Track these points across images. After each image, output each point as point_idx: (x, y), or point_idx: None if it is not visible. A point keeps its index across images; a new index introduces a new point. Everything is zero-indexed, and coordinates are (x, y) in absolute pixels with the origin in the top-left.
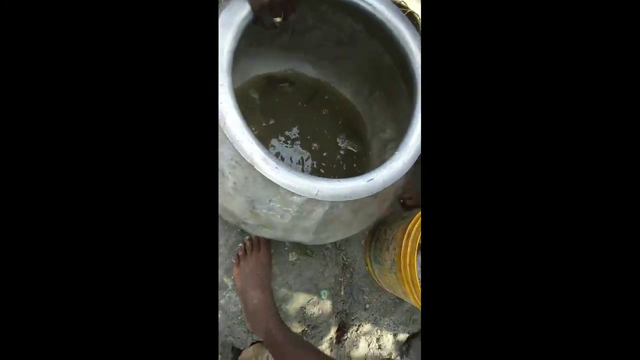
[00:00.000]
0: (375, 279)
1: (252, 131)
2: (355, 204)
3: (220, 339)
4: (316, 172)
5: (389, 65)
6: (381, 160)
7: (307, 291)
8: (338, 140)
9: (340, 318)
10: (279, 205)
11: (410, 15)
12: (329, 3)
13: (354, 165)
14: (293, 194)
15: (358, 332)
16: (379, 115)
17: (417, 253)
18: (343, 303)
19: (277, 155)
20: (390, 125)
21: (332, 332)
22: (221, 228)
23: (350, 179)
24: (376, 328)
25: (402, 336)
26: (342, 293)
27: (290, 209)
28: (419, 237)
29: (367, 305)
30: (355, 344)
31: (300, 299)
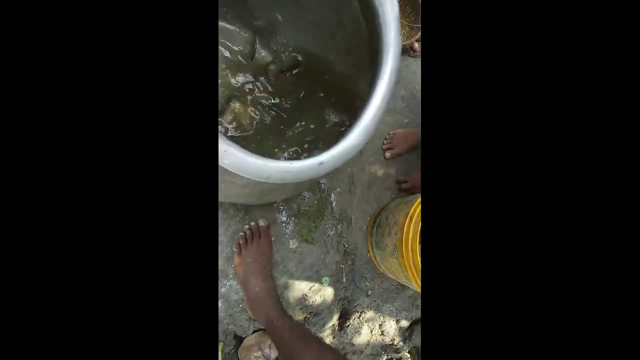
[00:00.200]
0: (377, 265)
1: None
2: None
3: (222, 327)
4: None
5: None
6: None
7: (309, 278)
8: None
9: (343, 305)
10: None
11: None
12: None
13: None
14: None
15: (360, 318)
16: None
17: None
18: (345, 290)
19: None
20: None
21: (335, 319)
22: (221, 216)
23: (301, 161)
24: (378, 314)
25: (405, 322)
26: (344, 280)
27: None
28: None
29: (369, 292)
30: (357, 331)
31: (301, 287)
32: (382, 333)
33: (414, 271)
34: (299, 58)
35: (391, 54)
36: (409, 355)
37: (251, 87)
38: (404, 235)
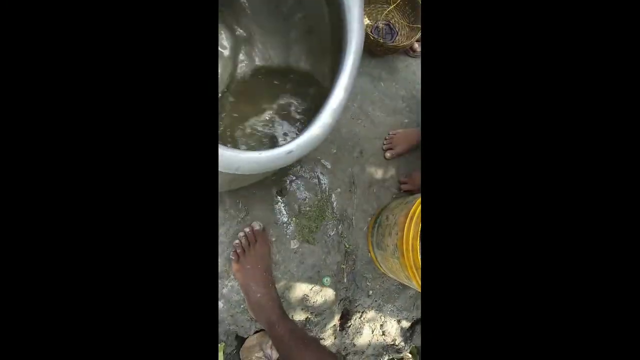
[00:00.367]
0: (378, 265)
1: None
2: None
3: (224, 327)
4: None
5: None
6: None
7: (310, 279)
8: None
9: (344, 305)
10: None
11: None
12: None
13: None
14: None
15: (362, 319)
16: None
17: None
18: (346, 290)
19: None
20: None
21: (336, 320)
22: (222, 216)
23: (270, 151)
24: (380, 314)
25: (406, 322)
26: (345, 280)
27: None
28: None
29: (370, 292)
30: (359, 331)
31: (303, 287)
32: (384, 333)
33: (415, 271)
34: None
35: (354, 46)
36: (410, 355)
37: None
38: (404, 235)
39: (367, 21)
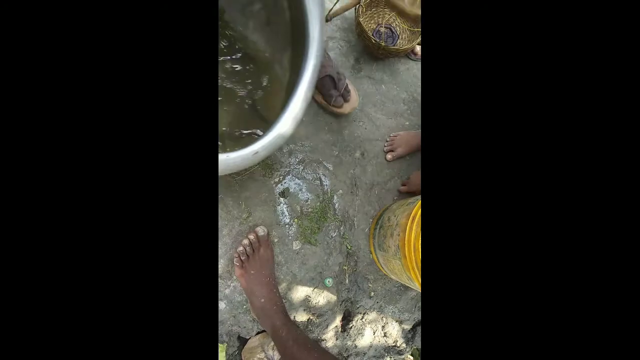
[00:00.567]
0: (380, 267)
1: None
2: None
3: (226, 328)
4: None
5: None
6: None
7: (312, 280)
8: None
9: (345, 306)
10: None
11: None
12: None
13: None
14: None
15: (363, 320)
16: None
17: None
18: (348, 291)
19: None
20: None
21: (338, 321)
22: (224, 217)
23: (237, 152)
24: (381, 316)
25: (407, 324)
26: (347, 281)
27: None
28: None
29: (372, 293)
30: (360, 333)
31: (305, 288)
32: (385, 335)
33: (417, 272)
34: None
35: (315, 46)
36: (411, 357)
37: None
38: (406, 236)
39: (368, 25)
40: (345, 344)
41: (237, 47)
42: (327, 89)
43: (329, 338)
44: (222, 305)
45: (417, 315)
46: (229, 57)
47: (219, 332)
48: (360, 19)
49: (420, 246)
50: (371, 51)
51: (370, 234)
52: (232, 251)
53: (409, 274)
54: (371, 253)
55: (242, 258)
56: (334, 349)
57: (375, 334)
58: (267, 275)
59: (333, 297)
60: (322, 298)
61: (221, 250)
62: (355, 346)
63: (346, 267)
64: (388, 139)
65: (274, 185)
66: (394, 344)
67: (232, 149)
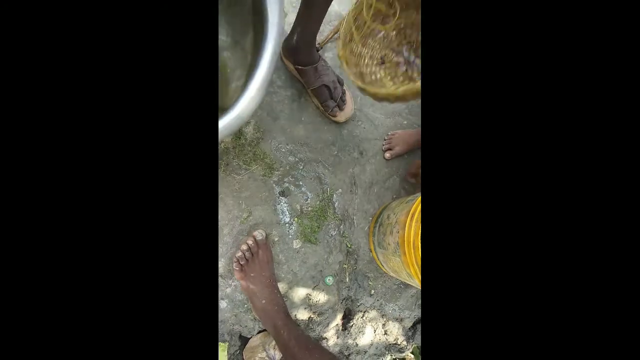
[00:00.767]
0: (380, 264)
1: None
2: None
3: (227, 327)
4: None
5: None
6: None
7: (312, 278)
8: None
9: (346, 305)
10: None
11: None
12: None
13: None
14: None
15: (364, 318)
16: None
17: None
18: (348, 289)
19: None
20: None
21: (338, 319)
22: (225, 216)
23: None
24: (382, 314)
25: (408, 321)
26: (347, 279)
27: None
28: None
29: (372, 291)
30: (361, 331)
31: (305, 286)
32: (386, 333)
33: (417, 268)
34: None
35: (269, 52)
36: (412, 355)
37: None
38: (406, 233)
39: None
40: (347, 343)
41: None
42: (324, 98)
43: (330, 336)
44: (223, 304)
45: (418, 313)
46: None
47: (221, 331)
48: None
49: (419, 243)
50: None
51: (369, 232)
52: (233, 250)
53: (408, 270)
54: (371, 251)
55: (242, 262)
56: (335, 347)
57: (376, 332)
58: (267, 277)
59: (334, 296)
60: (322, 296)
61: (222, 250)
62: (357, 344)
63: (346, 266)
64: (386, 138)
65: (274, 185)
66: (394, 342)
67: None
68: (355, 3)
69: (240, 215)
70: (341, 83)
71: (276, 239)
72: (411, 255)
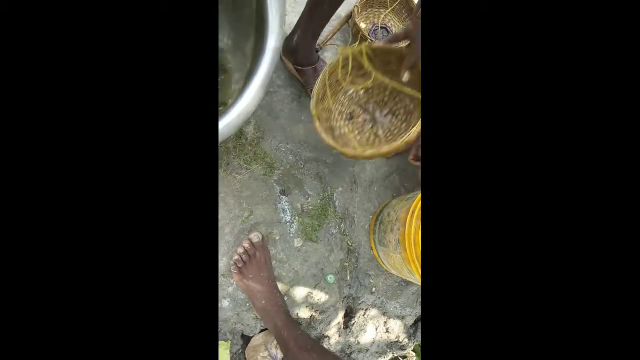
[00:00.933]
0: (381, 262)
1: None
2: None
3: (229, 326)
4: None
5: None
6: None
7: (314, 276)
8: None
9: (347, 303)
10: None
11: None
12: None
13: None
14: None
15: (365, 316)
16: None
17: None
18: (349, 287)
19: None
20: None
21: (340, 317)
22: (226, 216)
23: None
24: (383, 312)
25: (409, 319)
26: (348, 277)
27: None
28: None
29: (374, 289)
30: (362, 329)
31: (307, 285)
32: (387, 330)
33: (417, 264)
34: None
35: (269, 58)
36: (414, 352)
37: None
38: (406, 230)
39: (364, 24)
40: (348, 341)
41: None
42: None
43: (332, 335)
44: (225, 303)
45: (419, 310)
46: None
47: (223, 330)
48: (356, 19)
49: (420, 239)
50: None
51: (370, 230)
52: (234, 249)
53: (409, 267)
54: (372, 249)
55: (239, 265)
56: (336, 345)
57: (378, 329)
58: (266, 277)
59: (335, 294)
60: (324, 294)
61: (224, 249)
62: (358, 342)
63: (347, 264)
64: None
65: (274, 184)
66: (396, 339)
67: None
68: (330, 64)
69: (241, 215)
70: None
71: (277, 238)
72: (412, 252)
